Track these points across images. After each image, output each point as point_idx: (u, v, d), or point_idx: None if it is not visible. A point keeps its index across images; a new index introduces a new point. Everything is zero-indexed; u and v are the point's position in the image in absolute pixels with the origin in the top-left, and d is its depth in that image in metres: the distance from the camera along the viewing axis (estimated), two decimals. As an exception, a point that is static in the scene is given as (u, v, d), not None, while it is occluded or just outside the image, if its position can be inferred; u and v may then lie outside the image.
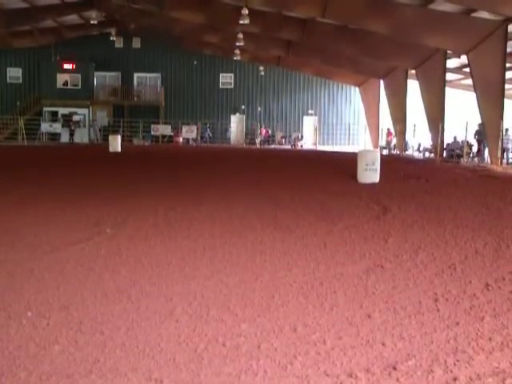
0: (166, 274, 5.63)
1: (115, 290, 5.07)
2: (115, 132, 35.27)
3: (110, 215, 9.00)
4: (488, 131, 21.94)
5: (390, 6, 21.90)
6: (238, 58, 37.90)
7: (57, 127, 39.15)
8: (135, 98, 41.85)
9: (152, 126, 40.42)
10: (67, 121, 39.25)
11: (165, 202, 10.66)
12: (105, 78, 42.36)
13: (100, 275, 5.56)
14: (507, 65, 21.71)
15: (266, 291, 5.12)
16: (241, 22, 25.24)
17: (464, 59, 24.05)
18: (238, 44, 31.93)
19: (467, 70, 24.73)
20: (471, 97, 24.01)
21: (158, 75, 42.72)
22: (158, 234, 7.59)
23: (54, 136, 39.01)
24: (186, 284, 5.31)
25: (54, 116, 40.19)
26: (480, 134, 24.15)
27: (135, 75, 42.77)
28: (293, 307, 4.70)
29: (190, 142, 40.67)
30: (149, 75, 42.94)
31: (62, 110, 39.97)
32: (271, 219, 8.96)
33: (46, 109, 39.99)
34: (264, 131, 42.34)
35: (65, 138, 38.66)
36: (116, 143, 28.73)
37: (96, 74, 41.30)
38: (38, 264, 5.97)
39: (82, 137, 39.03)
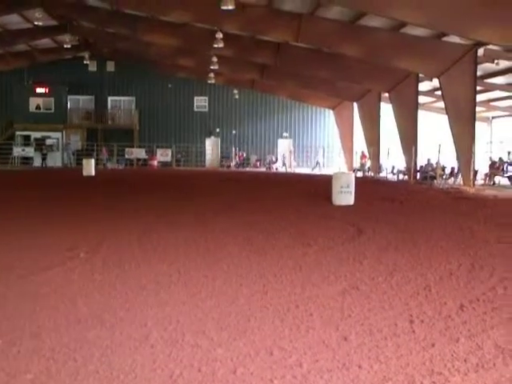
0: (141, 299, 5.57)
1: (88, 316, 5.00)
2: (89, 156, 35.13)
3: (83, 240, 8.89)
4: (460, 153, 22.27)
5: (363, 30, 22.25)
6: (213, 81, 38.14)
7: (29, 151, 38.88)
8: (109, 122, 41.80)
9: (126, 150, 40.34)
10: (40, 145, 38.98)
11: (139, 226, 10.58)
12: (78, 102, 42.29)
13: (73, 301, 5.48)
14: (478, 88, 22.15)
15: (241, 315, 5.09)
16: (215, 45, 25.48)
17: (436, 82, 24.47)
18: (212, 67, 32.20)
19: (439, 92, 25.15)
20: (444, 119, 24.37)
21: (133, 98, 42.77)
22: (132, 259, 7.52)
23: (27, 160, 38.70)
24: (161, 309, 5.26)
25: (26, 140, 39.92)
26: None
27: (109, 98, 42.76)
28: (269, 330, 4.68)
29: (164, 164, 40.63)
30: (123, 98, 42.98)
31: (35, 134, 39.72)
32: (247, 242, 8.94)
33: (18, 133, 39.72)
34: (239, 155, 42.48)
35: (37, 162, 38.39)
36: (90, 167, 28.58)
37: (69, 97, 41.20)
38: (10, 290, 5.87)
39: (55, 161, 38.79)
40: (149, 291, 5.88)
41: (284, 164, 40.46)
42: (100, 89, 41.86)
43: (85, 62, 38.27)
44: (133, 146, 40.92)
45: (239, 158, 42.62)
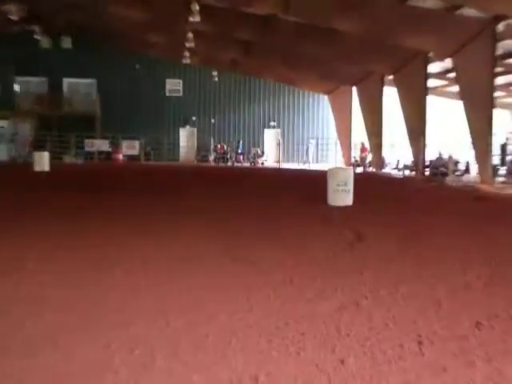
0: (103, 317, 5.52)
1: (39, 339, 4.95)
2: (41, 148, 34.87)
3: (32, 248, 8.82)
4: (477, 145, 22.34)
5: (364, 2, 22.23)
6: (188, 61, 38.05)
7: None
8: (65, 108, 41.48)
9: (86, 141, 40.17)
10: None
11: (101, 231, 10.52)
12: (28, 84, 41.96)
13: (20, 321, 5.42)
14: (497, 69, 22.23)
15: (221, 335, 5.07)
16: (190, 19, 25.38)
17: (448, 63, 24.56)
18: (187, 45, 32.11)
19: (452, 75, 25.28)
20: (458, 106, 24.51)
21: (94, 81, 42.59)
22: (92, 270, 7.47)
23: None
24: (127, 328, 5.22)
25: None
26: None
27: (65, 81, 42.53)
28: (253, 353, 4.67)
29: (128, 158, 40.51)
30: (82, 81, 42.79)
31: (-24, 122, 39.47)
32: (228, 250, 8.91)
33: (-46, 121, 39.41)
34: (219, 147, 42.45)
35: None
36: (43, 161, 28.35)
37: (17, 79, 40.86)
38: None
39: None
40: (112, 308, 5.84)
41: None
42: (54, 69, 41.55)
43: (35, 38, 37.98)
44: (94, 137, 40.74)
45: (219, 150, 42.61)
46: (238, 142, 42.58)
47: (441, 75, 30.76)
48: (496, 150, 23.51)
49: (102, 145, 40.67)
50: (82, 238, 9.84)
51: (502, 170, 25.18)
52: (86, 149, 40.15)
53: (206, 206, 14.59)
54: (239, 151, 42.18)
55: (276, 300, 6.20)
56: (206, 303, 6.04)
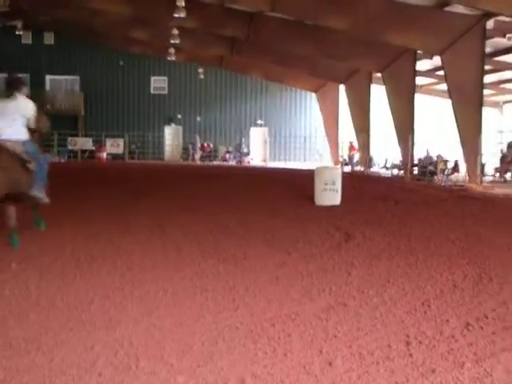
0: (87, 318, 5.51)
1: (22, 339, 4.92)
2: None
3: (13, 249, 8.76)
4: (465, 144, 22.42)
5: (351, -1, 22.30)
6: (173, 58, 37.95)
7: None
8: (48, 106, 41.21)
9: (69, 139, 39.96)
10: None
11: (85, 228, 10.48)
12: (10, 81, 41.64)
13: (3, 321, 5.40)
14: (486, 67, 22.32)
15: (207, 336, 5.06)
16: (175, 15, 25.30)
17: (437, 60, 24.61)
18: (172, 41, 32.00)
19: (441, 73, 25.35)
20: (446, 104, 24.58)
21: (77, 78, 42.37)
22: (76, 268, 7.44)
23: None
24: (111, 329, 5.21)
25: None
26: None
27: (48, 78, 42.32)
28: (239, 354, 4.67)
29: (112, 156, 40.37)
30: (65, 78, 42.54)
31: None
32: (214, 249, 8.91)
33: None
34: (205, 145, 42.40)
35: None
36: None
37: (-1, 75, 40.62)
38: None
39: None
40: (96, 308, 5.82)
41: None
42: (36, 66, 41.27)
43: (17, 33, 37.74)
44: (77, 135, 40.57)
45: (206, 149, 42.57)
46: (241, 140, 42.37)
47: (429, 73, 30.89)
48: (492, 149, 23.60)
49: (86, 143, 40.50)
50: (56, 234, 9.79)
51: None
52: (69, 147, 39.96)
53: (186, 205, 14.57)
54: (244, 150, 42.03)
55: (262, 300, 6.21)
56: (191, 303, 6.04)
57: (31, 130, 8.97)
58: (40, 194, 9.00)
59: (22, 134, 8.69)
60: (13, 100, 8.65)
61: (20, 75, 11.33)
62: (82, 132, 41.07)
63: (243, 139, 42.51)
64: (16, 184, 8.44)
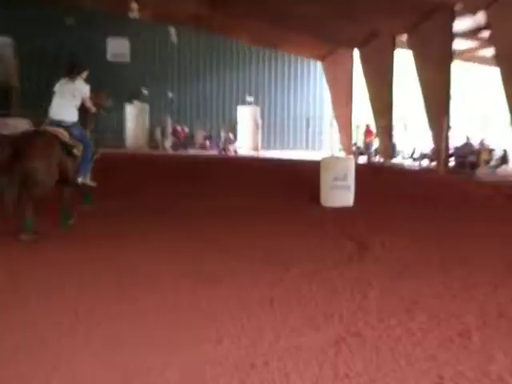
0: (38, 350, 5.47)
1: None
2: None
3: None
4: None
5: None
6: (136, 15, 37.90)
7: None
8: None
9: (-1, 120, 39.91)
10: None
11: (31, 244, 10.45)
12: None
13: None
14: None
15: (183, 374, 5.04)
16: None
17: (481, 18, 24.60)
18: (135, -6, 32.01)
19: (485, 34, 25.36)
20: (493, 74, 24.59)
21: (9, 40, 42.18)
22: (19, 294, 7.41)
23: None
24: (67, 365, 5.16)
25: None
26: None
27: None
28: (222, 402, 4.64)
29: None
30: (-6, 40, 42.43)
31: None
32: (192, 263, 8.89)
33: None
34: (179, 129, 42.40)
35: None
36: None
37: None
38: None
39: None
40: (48, 338, 5.79)
41: None
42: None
43: None
44: (9, 115, 40.48)
45: (180, 134, 42.53)
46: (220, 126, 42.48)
47: (471, 34, 30.77)
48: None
49: (21, 126, 40.34)
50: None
51: None
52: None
53: (161, 202, 14.57)
54: (229, 136, 42.09)
55: (252, 330, 6.17)
56: (163, 333, 6.01)
57: (85, 111, 11.63)
58: (86, 179, 11.52)
59: (72, 116, 11.18)
60: (71, 82, 11.35)
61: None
62: (16, 111, 40.91)
63: (223, 127, 42.50)
64: (63, 171, 10.70)
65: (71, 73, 11.34)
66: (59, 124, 10.90)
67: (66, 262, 8.88)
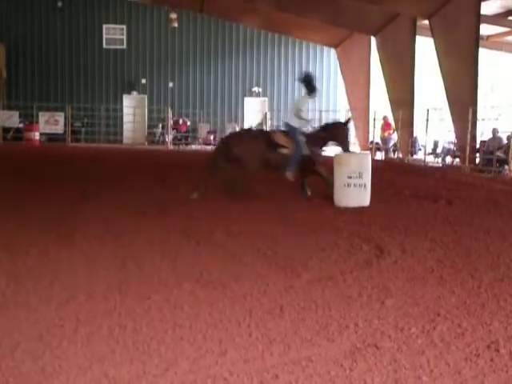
0: (15, 366, 5.47)
1: None
2: None
3: None
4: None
5: None
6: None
7: None
8: None
9: (-18, 113, 40.01)
10: None
11: (10, 239, 10.48)
12: None
13: None
14: None
15: (182, 391, 5.05)
16: None
17: (510, 1, 24.53)
18: (133, -25, 32.05)
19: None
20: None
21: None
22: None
23: None
24: (45, 382, 5.17)
25: None
26: None
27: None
28: (228, 419, 4.65)
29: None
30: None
31: None
32: (193, 267, 8.89)
33: None
34: (180, 123, 42.33)
35: None
36: None
37: None
38: None
39: None
40: (27, 351, 5.79)
41: None
42: None
43: None
44: (-3, 108, 40.65)
45: (181, 128, 42.45)
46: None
47: (499, 18, 30.56)
48: None
49: (9, 118, 40.45)
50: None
51: None
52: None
53: (158, 201, 14.58)
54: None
55: (260, 339, 6.17)
56: (160, 345, 6.01)
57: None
58: (289, 175, 16.13)
59: (296, 123, 16.32)
60: (306, 100, 17.32)
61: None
62: (4, 102, 40.98)
63: (228, 121, 42.44)
64: (269, 162, 16.01)
65: (310, 91, 17.00)
66: None
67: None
